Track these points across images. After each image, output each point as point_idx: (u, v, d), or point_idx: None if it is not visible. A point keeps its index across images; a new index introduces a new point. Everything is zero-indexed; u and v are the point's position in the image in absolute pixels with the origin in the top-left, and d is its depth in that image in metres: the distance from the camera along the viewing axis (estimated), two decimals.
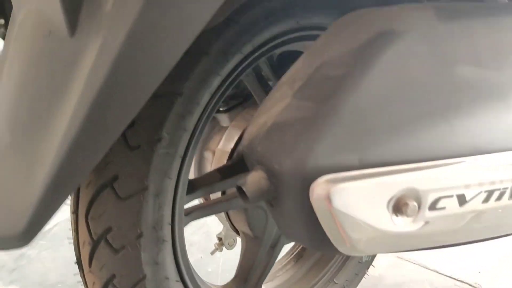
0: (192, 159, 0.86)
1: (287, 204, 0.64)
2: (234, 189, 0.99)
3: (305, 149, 0.62)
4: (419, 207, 0.66)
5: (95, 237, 0.78)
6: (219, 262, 1.59)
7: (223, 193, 1.01)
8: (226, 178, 0.94)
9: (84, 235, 0.79)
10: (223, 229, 1.20)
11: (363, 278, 1.54)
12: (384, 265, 1.60)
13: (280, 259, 1.27)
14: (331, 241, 0.64)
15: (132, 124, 0.75)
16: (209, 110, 0.84)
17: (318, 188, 0.60)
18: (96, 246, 0.78)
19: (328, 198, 0.60)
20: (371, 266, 1.61)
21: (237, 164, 0.99)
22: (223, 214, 1.08)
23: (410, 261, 1.61)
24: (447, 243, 0.72)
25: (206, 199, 1.09)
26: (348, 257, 1.26)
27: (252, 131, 0.70)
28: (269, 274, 1.22)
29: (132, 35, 0.52)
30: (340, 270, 1.26)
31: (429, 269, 1.57)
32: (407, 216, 0.65)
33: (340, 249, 0.65)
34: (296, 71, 0.72)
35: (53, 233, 1.79)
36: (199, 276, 0.97)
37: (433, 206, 0.67)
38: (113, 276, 0.80)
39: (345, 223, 0.62)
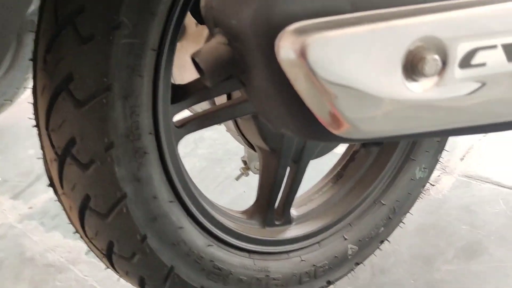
0: (173, 56, 0.71)
1: (254, 73, 0.48)
2: (239, 94, 0.84)
3: None
4: (444, 63, 0.46)
5: (59, 152, 0.66)
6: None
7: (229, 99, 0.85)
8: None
9: (49, 151, 0.68)
10: (244, 150, 1.05)
11: (423, 201, 1.35)
12: (448, 185, 1.38)
13: (316, 183, 1.10)
14: (318, 119, 0.47)
15: (81, 10, 0.61)
16: None
17: (285, 40, 0.42)
18: (63, 162, 0.67)
19: (300, 53, 0.42)
20: (433, 187, 1.41)
21: None
22: (235, 129, 0.92)
23: (480, 180, 1.37)
24: (492, 119, 0.51)
25: None
26: (396, 175, 1.07)
27: None
28: (303, 198, 1.07)
29: None
30: (388, 190, 1.07)
31: (504, 186, 1.33)
32: (425, 75, 0.46)
33: (333, 130, 0.47)
34: None
35: None
36: (206, 198, 0.84)
37: (466, 62, 0.47)
38: (87, 197, 0.68)
39: (330, 90, 0.44)
